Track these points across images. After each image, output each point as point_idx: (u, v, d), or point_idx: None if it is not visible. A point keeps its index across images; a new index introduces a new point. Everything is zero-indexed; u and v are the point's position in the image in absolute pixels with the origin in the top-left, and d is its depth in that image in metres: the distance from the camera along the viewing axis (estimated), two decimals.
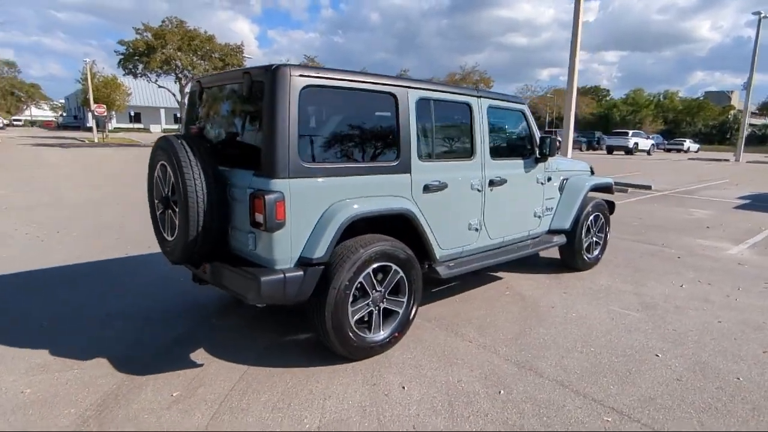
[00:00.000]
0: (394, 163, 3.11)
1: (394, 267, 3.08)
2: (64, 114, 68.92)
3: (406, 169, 3.17)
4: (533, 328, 3.59)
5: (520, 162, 4.15)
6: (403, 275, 3.14)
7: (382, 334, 3.10)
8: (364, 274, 2.91)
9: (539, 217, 4.45)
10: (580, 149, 33.28)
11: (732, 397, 2.69)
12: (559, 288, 4.50)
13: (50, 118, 69.18)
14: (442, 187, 3.38)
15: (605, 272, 5.00)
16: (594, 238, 5.06)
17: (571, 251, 4.83)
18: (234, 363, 3.01)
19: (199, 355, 3.12)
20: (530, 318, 3.78)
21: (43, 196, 9.26)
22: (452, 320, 3.72)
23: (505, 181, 3.90)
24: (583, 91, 61.05)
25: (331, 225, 2.72)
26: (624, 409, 2.54)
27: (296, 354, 3.14)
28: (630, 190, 11.50)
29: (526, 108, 4.21)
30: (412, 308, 3.24)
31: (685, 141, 38.87)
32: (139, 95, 50.60)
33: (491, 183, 3.78)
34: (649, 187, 11.83)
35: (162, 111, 55.41)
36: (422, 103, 3.28)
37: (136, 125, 55.78)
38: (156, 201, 3.12)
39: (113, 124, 57.93)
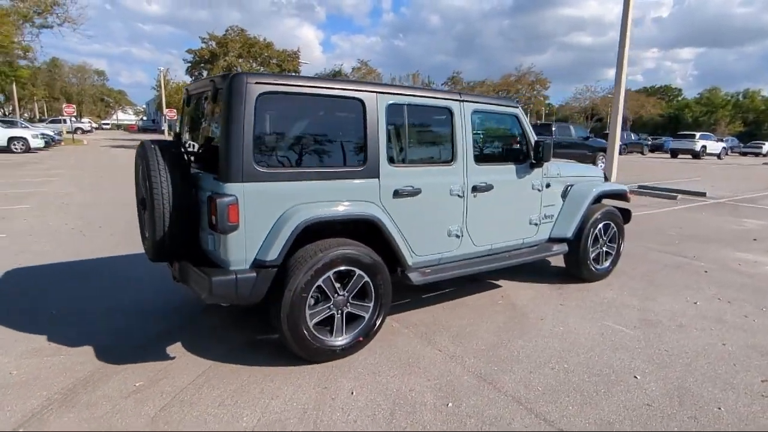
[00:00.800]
0: (360, 168, 3.12)
1: (358, 272, 3.09)
2: (144, 118, 74.54)
3: (373, 174, 3.16)
4: (512, 340, 3.46)
5: (511, 167, 4.01)
6: (368, 280, 3.14)
7: (343, 339, 3.11)
8: (323, 277, 2.94)
9: (536, 224, 4.26)
10: (641, 153, 31.28)
11: (704, 428, 2.45)
12: (557, 299, 4.29)
13: (133, 122, 75.38)
14: (415, 192, 3.34)
15: (616, 284, 4.70)
16: (604, 249, 4.77)
17: (576, 261, 4.59)
18: (203, 358, 3.14)
19: (175, 348, 3.28)
20: (513, 329, 3.64)
21: (102, 194, 10.07)
22: (431, 327, 3.66)
23: (492, 187, 3.78)
24: (651, 91, 57.51)
25: (285, 229, 2.78)
26: None
27: (265, 353, 3.22)
28: (680, 197, 10.68)
29: (519, 112, 4.06)
30: (378, 313, 3.22)
31: (764, 144, 35.46)
32: None
33: (475, 189, 3.68)
34: (703, 194, 10.93)
35: None
36: (394, 108, 3.27)
37: None
38: (138, 202, 3.33)
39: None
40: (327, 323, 3.08)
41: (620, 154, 29.33)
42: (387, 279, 3.22)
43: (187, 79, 36.95)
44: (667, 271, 5.18)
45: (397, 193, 3.27)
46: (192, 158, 3.31)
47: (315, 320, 2.99)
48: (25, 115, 51.34)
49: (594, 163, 16.15)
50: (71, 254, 5.45)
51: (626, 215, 5.00)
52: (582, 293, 4.45)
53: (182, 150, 3.15)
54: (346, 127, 3.19)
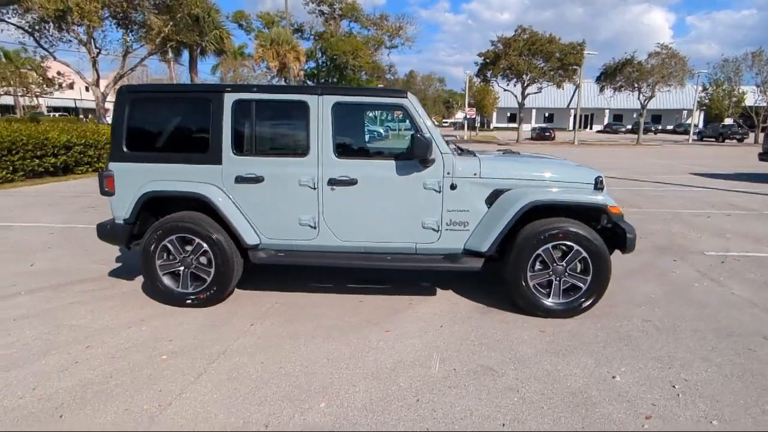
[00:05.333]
0: (205, 156, 3.75)
1: (198, 240, 3.77)
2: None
3: (216, 160, 3.73)
4: (316, 338, 3.37)
5: (389, 163, 3.64)
6: (208, 249, 3.77)
7: (186, 291, 3.84)
8: (167, 240, 3.79)
9: (435, 230, 3.66)
10: None
11: None
12: (452, 320, 3.61)
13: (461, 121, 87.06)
14: (257, 179, 3.69)
15: (566, 327, 3.43)
16: (564, 278, 3.51)
17: (506, 283, 3.62)
18: (125, 284, 4.46)
19: (129, 279, 4.63)
20: (337, 330, 3.47)
21: None
22: (291, 309, 3.88)
23: (355, 182, 3.62)
24: None
25: (134, 197, 3.78)
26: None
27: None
28: None
29: (407, 103, 3.56)
30: (216, 279, 3.78)
31: None
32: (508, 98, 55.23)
33: (332, 182, 3.64)
34: None
35: (533, 111, 58.81)
36: (241, 104, 3.69)
37: (512, 125, 61.39)
38: None
39: (494, 123, 66.43)
40: (177, 275, 3.88)
41: None
42: (224, 251, 3.73)
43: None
44: (691, 335, 3.29)
45: (238, 179, 3.72)
46: None
47: (166, 272, 3.87)
48: None
49: None
50: None
51: (618, 239, 3.48)
52: (496, 324, 3.52)
53: None
54: (197, 122, 3.86)
